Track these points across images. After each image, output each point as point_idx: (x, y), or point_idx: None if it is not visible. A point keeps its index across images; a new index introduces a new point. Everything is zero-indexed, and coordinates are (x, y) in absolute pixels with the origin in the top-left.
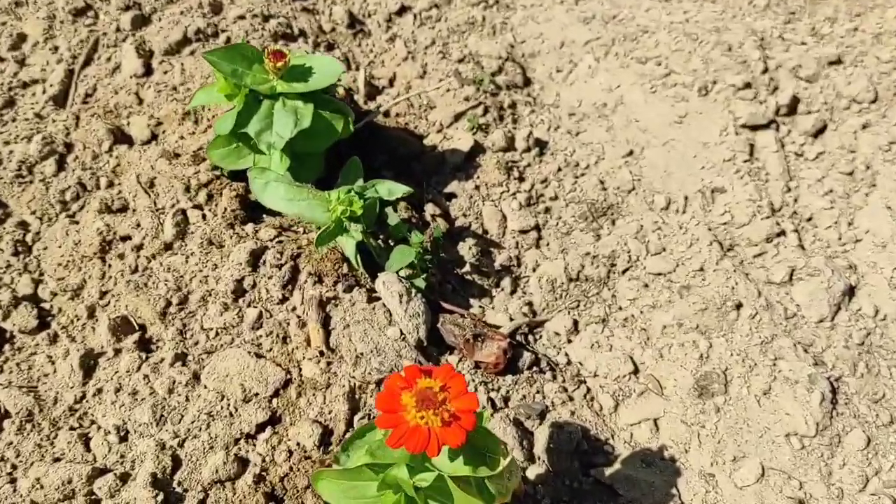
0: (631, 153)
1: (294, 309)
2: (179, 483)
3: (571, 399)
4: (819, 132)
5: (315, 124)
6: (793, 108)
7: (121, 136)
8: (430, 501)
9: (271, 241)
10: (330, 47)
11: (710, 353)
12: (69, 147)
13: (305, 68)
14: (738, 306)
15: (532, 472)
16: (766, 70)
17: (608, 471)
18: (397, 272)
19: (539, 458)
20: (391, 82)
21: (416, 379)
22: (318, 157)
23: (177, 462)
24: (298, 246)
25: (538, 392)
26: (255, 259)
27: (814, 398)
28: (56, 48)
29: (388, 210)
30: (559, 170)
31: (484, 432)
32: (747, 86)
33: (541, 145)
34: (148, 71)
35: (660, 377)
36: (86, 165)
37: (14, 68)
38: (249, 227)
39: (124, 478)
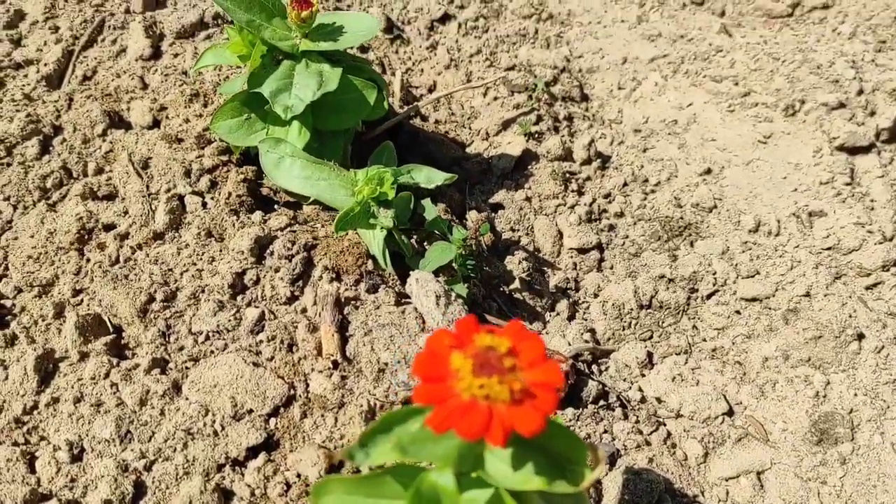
0: (709, 171)
1: (304, 310)
2: None
3: (648, 443)
4: None
5: (342, 93)
6: (895, 133)
7: (118, 121)
8: None
9: (281, 230)
10: (363, 51)
11: (829, 391)
12: (57, 129)
13: (335, 26)
14: (860, 337)
15: None
16: (861, 91)
17: None
18: (434, 273)
19: None
20: (430, 91)
21: (474, 336)
22: (345, 137)
23: (140, 489)
24: (314, 237)
25: (606, 432)
26: (261, 249)
27: None
28: (56, 28)
29: (426, 202)
30: (625, 184)
31: (563, 433)
32: (841, 105)
33: (603, 158)
34: (156, 54)
35: (763, 420)
36: (74, 149)
37: (7, 48)
38: (257, 216)
39: None
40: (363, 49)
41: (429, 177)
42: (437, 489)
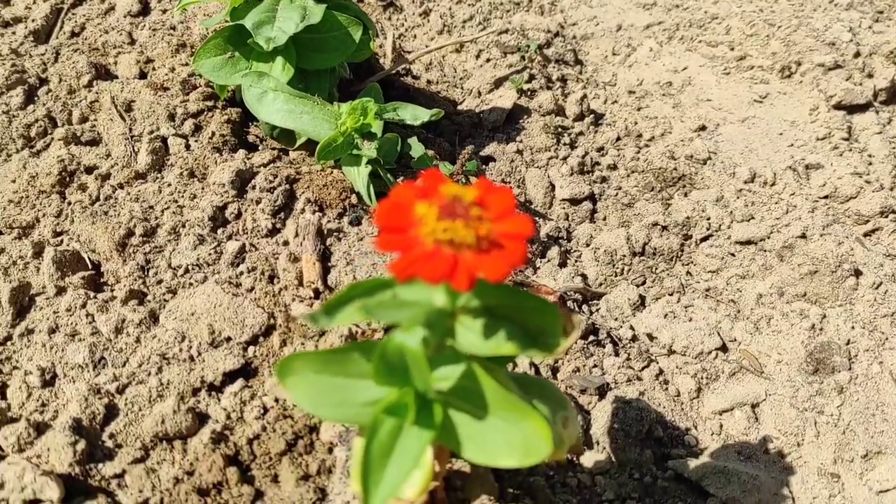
0: (703, 128)
1: (286, 243)
2: (112, 436)
3: (640, 378)
4: None
5: (327, 30)
6: (893, 94)
7: (105, 74)
8: (452, 411)
9: (264, 165)
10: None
11: (825, 324)
12: (43, 81)
13: None
14: (857, 273)
15: (590, 459)
16: (858, 54)
17: (692, 463)
18: None
19: (598, 443)
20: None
21: (440, 186)
22: (330, 77)
23: (112, 411)
24: (298, 171)
25: (595, 366)
26: (243, 183)
27: None
28: None
29: (412, 141)
30: (618, 139)
31: (537, 304)
32: (838, 66)
33: (596, 115)
34: (145, 10)
35: (757, 353)
36: (59, 99)
37: None
38: (240, 154)
39: (40, 428)
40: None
41: (414, 114)
42: (403, 350)
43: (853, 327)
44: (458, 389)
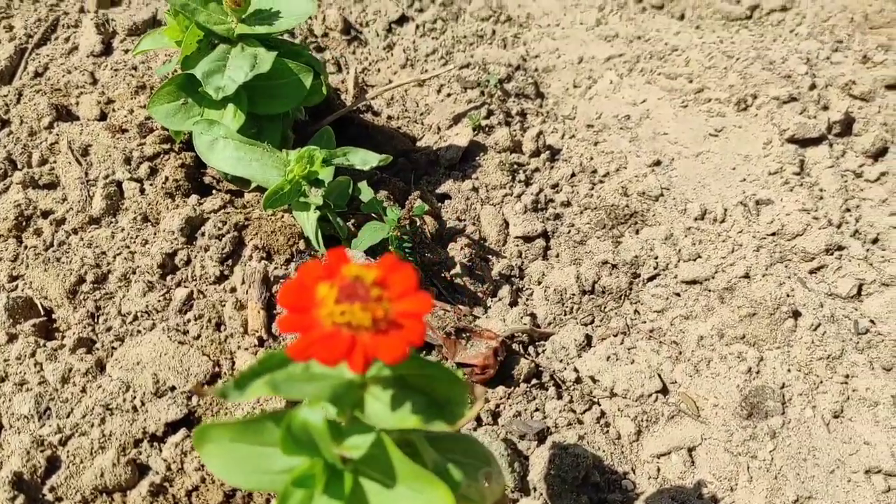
0: (658, 163)
1: (234, 290)
2: (52, 489)
3: (581, 422)
4: (881, 153)
5: (278, 77)
6: (847, 126)
7: (66, 115)
8: (363, 480)
9: (214, 212)
10: (319, 50)
11: (762, 367)
12: (4, 123)
13: (271, 12)
14: (796, 315)
15: None
16: (813, 86)
17: None
18: (369, 253)
19: (535, 490)
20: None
21: (342, 266)
22: (282, 122)
23: (54, 463)
24: (247, 218)
25: (537, 410)
26: (192, 230)
27: None
28: (11, 27)
29: (362, 185)
30: (573, 175)
31: (445, 375)
32: (793, 99)
33: (553, 151)
34: (107, 50)
35: (696, 396)
36: (20, 141)
37: None
38: (192, 199)
39: None
40: (319, 49)
41: (364, 158)
42: (308, 426)
43: (789, 370)
44: (369, 458)
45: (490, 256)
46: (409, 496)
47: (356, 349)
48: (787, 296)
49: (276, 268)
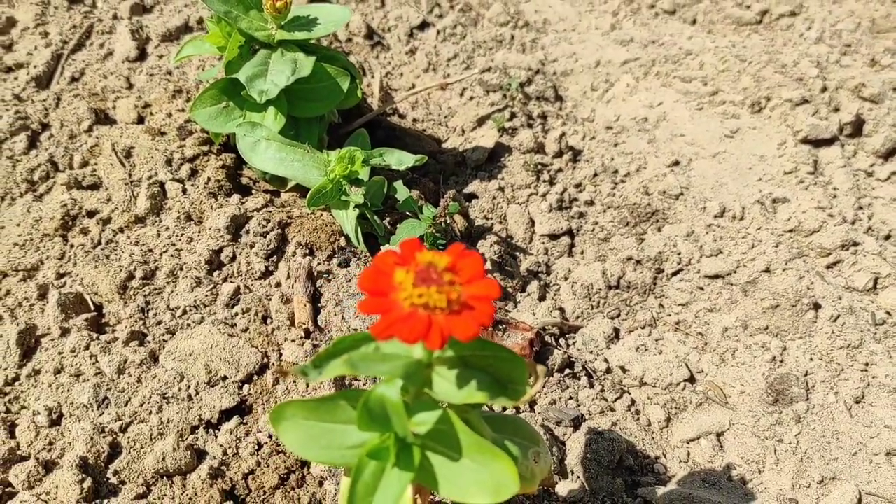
0: (677, 163)
1: (279, 284)
2: (116, 473)
3: (612, 409)
4: (890, 153)
5: (317, 80)
6: (858, 127)
7: (104, 119)
8: (430, 454)
9: (258, 210)
10: (346, 54)
11: (785, 356)
12: (45, 126)
13: (309, 18)
14: (816, 307)
15: (564, 488)
16: (825, 89)
17: (661, 491)
18: None
19: (572, 473)
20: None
21: (417, 254)
22: (319, 124)
23: (115, 449)
24: (289, 216)
25: (571, 398)
26: (237, 227)
27: None
28: (47, 34)
29: (398, 184)
30: (595, 175)
31: (507, 356)
32: (805, 101)
33: (574, 152)
34: (142, 56)
35: (722, 384)
36: (61, 144)
37: None
38: (234, 199)
39: (48, 466)
40: (344, 54)
41: (399, 159)
42: (384, 400)
43: (811, 359)
44: (435, 433)
45: (517, 253)
46: (473, 468)
47: (433, 328)
48: (808, 289)
49: (319, 263)
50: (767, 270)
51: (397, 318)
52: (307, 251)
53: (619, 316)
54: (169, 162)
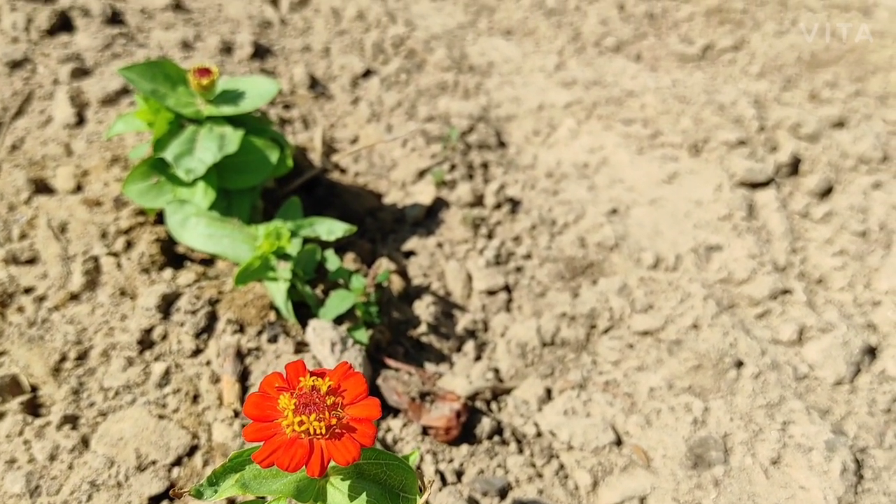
0: (615, 211)
1: (209, 363)
2: None
3: (540, 476)
4: (825, 192)
5: (245, 154)
6: (794, 167)
7: (43, 188)
8: None
9: (189, 286)
10: (287, 106)
11: (707, 417)
12: None
13: (237, 92)
14: (739, 364)
15: None
16: (762, 129)
17: None
18: (333, 321)
19: None
20: (353, 143)
21: (300, 378)
22: (251, 195)
23: None
24: (220, 291)
25: (500, 466)
26: (168, 305)
27: (833, 468)
28: None
29: (328, 253)
30: (533, 227)
31: (400, 466)
32: (742, 143)
33: (513, 203)
34: (81, 121)
35: (647, 447)
36: (0, 217)
37: None
38: (167, 273)
39: None
40: (287, 106)
41: (330, 229)
42: None
43: (731, 419)
44: None
45: (455, 311)
46: None
47: (314, 455)
48: (731, 346)
49: (248, 340)
50: (695, 326)
51: (279, 446)
52: (237, 328)
53: (552, 374)
54: (104, 235)
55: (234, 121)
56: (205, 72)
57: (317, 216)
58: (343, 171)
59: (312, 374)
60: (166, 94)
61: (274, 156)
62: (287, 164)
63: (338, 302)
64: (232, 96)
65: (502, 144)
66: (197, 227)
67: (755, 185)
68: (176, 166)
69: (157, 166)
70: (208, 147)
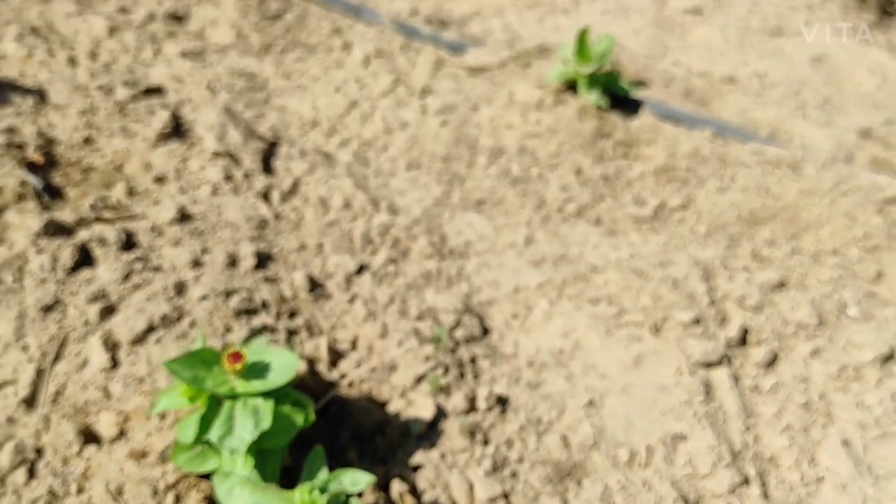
0: (591, 402)
1: None
2: None
3: None
4: (771, 363)
5: (276, 422)
6: (742, 339)
7: (90, 436)
8: None
9: None
10: (292, 315)
11: None
12: (40, 452)
13: (264, 364)
14: None
15: None
16: (712, 302)
17: None
18: None
19: None
20: (353, 345)
21: None
22: (281, 452)
23: None
24: None
25: None
26: None
27: None
28: (26, 347)
29: (353, 500)
30: (522, 428)
31: None
32: (696, 322)
33: (502, 402)
34: (115, 363)
35: None
36: (56, 472)
37: None
38: None
39: None
40: (292, 314)
41: (354, 480)
42: None
43: None
44: None
45: None
46: None
47: None
48: None
49: None
50: None
51: None
52: None
53: None
54: (155, 492)
55: (263, 393)
56: (237, 357)
57: (340, 470)
58: (351, 384)
59: None
60: (205, 379)
61: (299, 419)
62: (310, 419)
63: None
64: (259, 369)
65: (486, 331)
66: (242, 496)
67: (710, 365)
68: (221, 447)
69: (199, 438)
70: (245, 426)
